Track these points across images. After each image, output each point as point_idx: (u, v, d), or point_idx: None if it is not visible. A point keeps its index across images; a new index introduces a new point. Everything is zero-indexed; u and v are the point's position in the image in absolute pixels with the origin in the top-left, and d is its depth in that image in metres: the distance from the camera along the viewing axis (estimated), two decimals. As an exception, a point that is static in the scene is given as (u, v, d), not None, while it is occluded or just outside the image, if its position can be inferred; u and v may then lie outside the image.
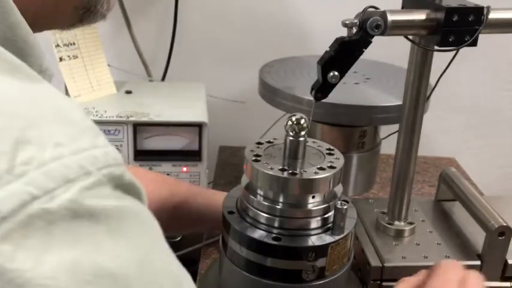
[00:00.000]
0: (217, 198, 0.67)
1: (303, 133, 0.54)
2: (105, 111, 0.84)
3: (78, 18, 0.39)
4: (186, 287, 0.28)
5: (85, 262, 0.22)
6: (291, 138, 0.54)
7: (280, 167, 0.53)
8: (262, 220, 0.55)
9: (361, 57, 0.59)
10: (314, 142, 0.59)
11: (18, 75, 0.26)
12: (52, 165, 0.23)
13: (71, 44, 0.89)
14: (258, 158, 0.55)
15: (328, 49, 0.59)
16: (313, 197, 0.54)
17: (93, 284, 0.22)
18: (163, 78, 1.11)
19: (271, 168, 0.53)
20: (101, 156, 0.25)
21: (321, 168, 0.53)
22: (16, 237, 0.21)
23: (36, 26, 0.34)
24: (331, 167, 0.54)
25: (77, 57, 0.90)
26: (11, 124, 0.23)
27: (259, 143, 0.58)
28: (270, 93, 0.87)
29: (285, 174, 0.52)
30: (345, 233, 0.55)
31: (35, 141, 0.23)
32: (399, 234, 0.70)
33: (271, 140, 0.59)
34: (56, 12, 0.37)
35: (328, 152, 0.57)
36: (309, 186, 0.53)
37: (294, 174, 0.52)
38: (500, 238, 0.64)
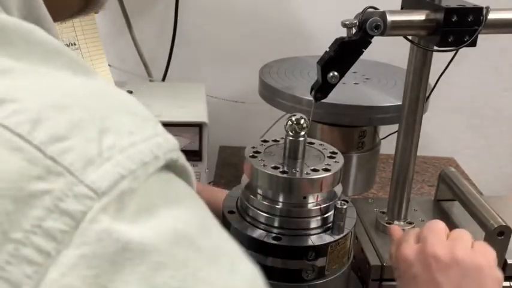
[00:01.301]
0: (220, 196, 0.67)
1: (302, 133, 0.54)
2: (106, 112, 0.84)
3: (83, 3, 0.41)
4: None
5: (167, 226, 0.26)
6: (291, 138, 0.54)
7: (279, 167, 0.53)
8: (262, 220, 0.55)
9: (361, 57, 0.59)
10: (321, 144, 0.59)
11: (78, 68, 0.29)
12: (131, 150, 0.26)
13: (71, 44, 0.89)
14: (257, 155, 0.55)
15: (327, 49, 0.59)
16: (312, 197, 0.54)
17: (178, 244, 0.26)
18: (163, 79, 1.11)
19: (270, 168, 0.53)
20: (163, 142, 0.28)
21: (320, 169, 0.54)
22: (112, 210, 0.25)
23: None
24: (326, 169, 0.54)
25: (77, 57, 0.90)
26: (93, 115, 0.27)
27: (264, 141, 0.59)
28: (270, 93, 0.87)
29: (283, 174, 0.53)
30: (345, 233, 0.55)
31: (113, 130, 0.26)
32: (399, 233, 0.70)
33: (277, 139, 0.59)
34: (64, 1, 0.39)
35: (329, 155, 0.57)
36: (308, 186, 0.53)
37: (292, 174, 0.53)
38: (499, 238, 0.64)
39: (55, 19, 0.36)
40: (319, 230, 0.55)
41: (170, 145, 0.28)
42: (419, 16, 0.59)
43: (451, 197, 0.77)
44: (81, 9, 0.42)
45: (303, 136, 0.54)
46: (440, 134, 1.20)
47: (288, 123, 0.54)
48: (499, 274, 0.52)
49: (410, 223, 0.72)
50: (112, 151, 0.26)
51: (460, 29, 0.58)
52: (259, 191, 0.55)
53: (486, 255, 0.53)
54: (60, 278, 0.23)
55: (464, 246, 0.53)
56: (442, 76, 0.68)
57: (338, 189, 0.57)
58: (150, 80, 1.11)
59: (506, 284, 0.67)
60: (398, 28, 0.59)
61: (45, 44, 0.29)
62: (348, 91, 0.85)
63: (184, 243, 0.26)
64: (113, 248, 0.24)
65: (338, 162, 0.55)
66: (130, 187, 0.25)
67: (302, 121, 0.54)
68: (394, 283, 0.57)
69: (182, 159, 0.30)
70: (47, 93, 0.27)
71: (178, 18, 1.08)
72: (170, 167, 0.29)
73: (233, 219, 0.56)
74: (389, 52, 0.91)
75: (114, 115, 0.28)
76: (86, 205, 0.24)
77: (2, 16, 0.29)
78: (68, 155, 0.25)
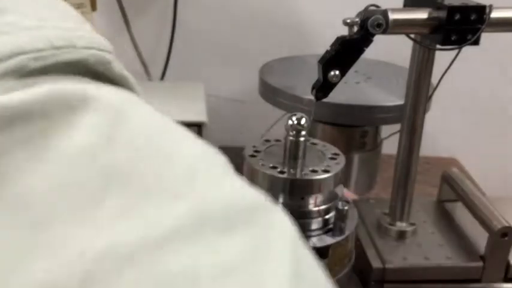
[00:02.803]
0: None
1: (303, 133, 0.53)
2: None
3: None
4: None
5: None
6: (291, 138, 0.54)
7: (278, 167, 0.53)
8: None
9: (362, 56, 0.59)
10: (324, 145, 0.58)
11: None
12: (35, 32, 0.21)
13: (69, 44, 0.89)
14: (256, 155, 0.54)
15: (329, 48, 0.59)
16: (312, 198, 0.53)
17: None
18: (162, 78, 1.11)
19: (269, 167, 0.52)
20: (87, 35, 0.23)
21: (319, 170, 0.53)
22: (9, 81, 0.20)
23: None
24: (326, 171, 0.53)
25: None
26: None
27: (266, 140, 0.58)
28: (270, 92, 0.86)
29: (281, 174, 0.52)
30: (346, 234, 0.54)
31: (13, 11, 0.22)
32: (401, 235, 0.70)
33: (280, 139, 0.58)
34: None
35: (331, 156, 0.56)
36: (306, 186, 0.52)
37: (290, 174, 0.52)
38: (503, 239, 0.64)
39: None
40: (320, 231, 0.54)
41: (99, 42, 0.23)
42: (421, 14, 0.59)
43: (454, 198, 0.76)
44: None
45: (304, 136, 0.54)
46: (443, 134, 1.19)
47: (289, 122, 0.53)
48: None
49: (412, 224, 0.71)
50: (12, 26, 0.21)
51: (462, 28, 0.58)
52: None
53: None
54: None
55: None
56: (445, 75, 0.67)
57: (339, 190, 0.56)
58: (149, 80, 1.10)
59: (510, 285, 0.66)
60: (401, 26, 0.59)
61: None
62: (349, 90, 0.84)
63: None
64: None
65: (339, 163, 0.55)
66: (34, 66, 0.21)
67: (303, 121, 0.53)
68: (396, 285, 0.56)
69: (118, 66, 0.24)
70: None
71: (177, 17, 1.08)
72: (99, 75, 0.23)
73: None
74: (391, 51, 0.90)
75: (38, 6, 0.23)
76: None
77: None
78: None
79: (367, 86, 0.88)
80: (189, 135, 0.24)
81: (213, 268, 0.19)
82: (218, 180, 0.23)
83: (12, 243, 0.18)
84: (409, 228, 0.70)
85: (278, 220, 0.23)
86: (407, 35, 0.62)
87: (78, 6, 0.76)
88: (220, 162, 0.24)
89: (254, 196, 0.23)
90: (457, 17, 0.57)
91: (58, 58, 0.21)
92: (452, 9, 0.57)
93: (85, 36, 0.23)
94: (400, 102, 0.73)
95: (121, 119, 0.21)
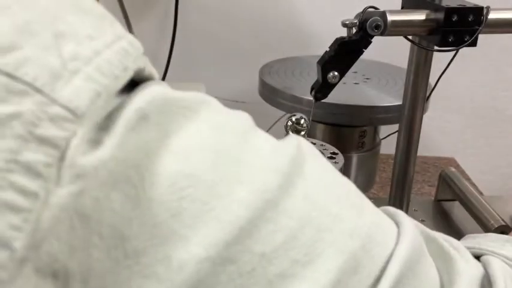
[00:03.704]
0: None
1: (302, 133, 0.54)
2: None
3: None
4: None
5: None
6: (291, 138, 0.54)
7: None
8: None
9: (361, 57, 0.59)
10: (322, 145, 0.58)
11: None
12: (97, 60, 0.21)
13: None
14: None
15: (328, 49, 0.59)
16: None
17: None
18: (163, 79, 1.11)
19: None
20: (129, 47, 0.23)
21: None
22: (96, 134, 0.20)
23: None
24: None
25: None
26: (41, 15, 0.21)
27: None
28: (270, 93, 0.87)
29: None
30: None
31: (69, 34, 0.21)
32: (399, 234, 0.70)
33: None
34: None
35: (330, 155, 0.57)
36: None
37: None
38: (499, 238, 0.64)
39: None
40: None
41: (136, 50, 0.24)
42: (419, 16, 0.59)
43: (451, 197, 0.77)
44: None
45: (303, 136, 0.54)
46: (441, 134, 1.20)
47: (288, 123, 0.54)
48: None
49: (410, 223, 0.71)
50: (76, 62, 0.20)
51: (460, 29, 0.58)
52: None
53: None
54: None
55: None
56: (443, 76, 0.68)
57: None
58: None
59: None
60: (399, 28, 0.59)
61: None
62: (348, 91, 0.85)
63: None
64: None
65: (337, 163, 0.55)
66: (107, 105, 0.21)
67: (302, 121, 0.53)
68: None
69: (149, 65, 0.25)
70: None
71: (178, 18, 1.08)
72: (140, 78, 0.24)
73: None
74: (389, 52, 0.91)
75: (66, 14, 0.22)
76: (68, 129, 0.19)
77: None
78: (27, 67, 0.19)
79: (365, 86, 0.89)
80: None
81: None
82: None
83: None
84: (407, 227, 0.70)
85: None
86: (406, 37, 0.63)
87: (80, 8, 0.77)
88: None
89: None
90: (455, 18, 0.58)
91: (118, 86, 0.22)
92: (449, 11, 0.57)
93: (128, 50, 0.23)
94: (398, 102, 0.74)
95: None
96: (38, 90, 0.19)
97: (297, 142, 0.26)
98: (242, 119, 0.27)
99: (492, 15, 0.59)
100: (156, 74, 0.26)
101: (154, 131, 0.22)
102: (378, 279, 0.24)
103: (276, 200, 0.23)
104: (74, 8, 0.22)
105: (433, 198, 0.81)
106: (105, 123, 0.21)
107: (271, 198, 0.23)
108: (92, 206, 0.20)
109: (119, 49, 0.22)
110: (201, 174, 0.22)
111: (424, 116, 0.69)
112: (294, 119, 0.53)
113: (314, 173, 0.26)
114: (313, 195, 0.24)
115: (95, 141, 0.20)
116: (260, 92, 0.90)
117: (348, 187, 0.28)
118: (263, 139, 0.26)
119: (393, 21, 0.58)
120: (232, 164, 0.23)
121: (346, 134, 0.87)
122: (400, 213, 0.30)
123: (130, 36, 0.24)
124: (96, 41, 0.22)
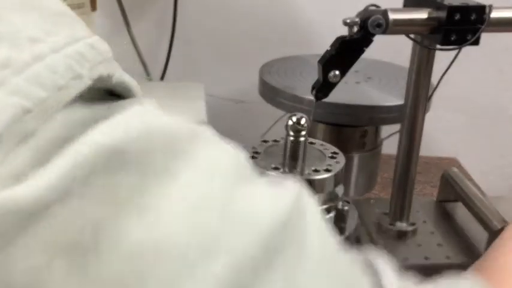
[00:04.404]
0: None
1: (303, 133, 0.53)
2: (104, 111, 0.83)
3: None
4: None
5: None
6: (292, 138, 0.54)
7: (279, 168, 0.53)
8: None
9: (362, 56, 0.58)
10: (322, 145, 0.58)
11: None
12: (35, 68, 0.17)
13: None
14: (256, 156, 0.54)
15: (329, 48, 0.59)
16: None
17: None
18: (162, 78, 1.11)
19: (271, 169, 0.52)
20: (87, 51, 0.19)
21: (321, 170, 0.53)
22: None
23: None
24: (327, 170, 0.53)
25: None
26: None
27: (264, 141, 0.58)
28: (270, 92, 0.86)
29: (284, 175, 0.52)
30: (346, 234, 0.54)
31: (4, 36, 0.17)
32: (401, 235, 0.70)
33: (277, 139, 0.58)
34: None
35: (331, 155, 0.56)
36: (309, 187, 0.52)
37: (293, 174, 0.52)
38: (503, 239, 0.64)
39: None
40: (320, 232, 0.54)
41: (98, 54, 0.20)
42: (421, 14, 0.59)
43: (453, 198, 0.76)
44: None
45: (304, 136, 0.54)
46: (443, 134, 1.19)
47: (289, 122, 0.53)
48: None
49: (412, 224, 0.71)
50: (5, 70, 0.17)
51: (462, 28, 0.58)
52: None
53: None
54: None
55: None
56: (445, 75, 0.67)
57: (339, 190, 0.56)
58: (149, 80, 1.10)
59: (510, 286, 0.66)
60: (400, 26, 0.59)
61: None
62: (349, 90, 0.84)
63: None
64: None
65: (339, 162, 0.55)
66: (36, 126, 0.17)
67: (303, 121, 0.53)
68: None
69: (119, 72, 0.21)
70: None
71: (177, 17, 1.07)
72: (99, 88, 0.20)
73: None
74: (391, 51, 0.90)
75: (9, 13, 0.18)
76: None
77: None
78: None
79: (367, 86, 0.88)
80: None
81: None
82: None
83: None
84: (409, 228, 0.70)
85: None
86: (407, 35, 0.62)
87: (78, 6, 0.76)
88: None
89: None
90: (457, 17, 0.57)
91: (62, 100, 0.18)
92: (452, 9, 0.57)
93: (84, 53, 0.19)
94: (400, 102, 0.73)
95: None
96: None
97: (296, 195, 0.24)
98: (233, 163, 0.24)
99: (495, 14, 0.58)
100: (134, 82, 0.22)
101: (122, 179, 0.18)
102: None
103: (252, 283, 0.19)
104: (24, 6, 0.19)
105: (435, 199, 0.80)
106: (49, 150, 0.17)
107: (246, 281, 0.19)
108: None
109: (72, 53, 0.19)
110: (174, 242, 0.18)
111: (426, 116, 0.69)
112: (294, 118, 0.53)
113: (314, 245, 0.23)
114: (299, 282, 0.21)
115: (19, 173, 0.16)
116: (260, 91, 0.90)
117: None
118: (255, 190, 0.23)
119: (395, 20, 0.57)
120: (212, 229, 0.20)
121: (347, 134, 0.87)
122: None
123: (93, 39, 0.20)
124: (40, 44, 0.18)
